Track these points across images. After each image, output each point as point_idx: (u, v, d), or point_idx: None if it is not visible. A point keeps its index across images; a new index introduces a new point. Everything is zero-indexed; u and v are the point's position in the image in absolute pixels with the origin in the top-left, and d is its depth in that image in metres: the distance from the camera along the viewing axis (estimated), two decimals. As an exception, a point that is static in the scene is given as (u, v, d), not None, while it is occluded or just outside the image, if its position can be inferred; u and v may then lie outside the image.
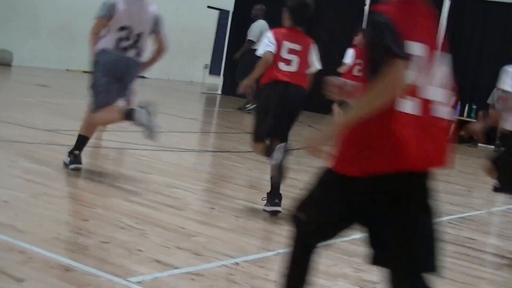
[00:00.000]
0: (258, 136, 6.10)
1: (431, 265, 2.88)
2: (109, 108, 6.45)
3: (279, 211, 5.89)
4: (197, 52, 22.09)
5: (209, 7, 21.49)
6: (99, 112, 6.49)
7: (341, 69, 10.44)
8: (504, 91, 6.00)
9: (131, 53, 6.52)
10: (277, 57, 5.97)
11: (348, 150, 2.89)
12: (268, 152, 5.96)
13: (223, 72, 19.24)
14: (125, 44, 6.47)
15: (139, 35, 6.53)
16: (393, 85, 2.69)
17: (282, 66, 5.99)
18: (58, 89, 14.44)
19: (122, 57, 6.47)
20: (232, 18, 19.24)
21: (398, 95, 2.72)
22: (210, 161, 8.88)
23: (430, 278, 2.90)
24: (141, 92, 9.17)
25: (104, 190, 6.11)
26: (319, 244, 3.11)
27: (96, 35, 6.49)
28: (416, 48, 2.77)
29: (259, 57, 6.03)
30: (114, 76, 6.49)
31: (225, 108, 16.32)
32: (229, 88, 18.94)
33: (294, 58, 6.02)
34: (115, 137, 8.54)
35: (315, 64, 6.17)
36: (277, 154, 5.81)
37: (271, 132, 6.03)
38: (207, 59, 22.57)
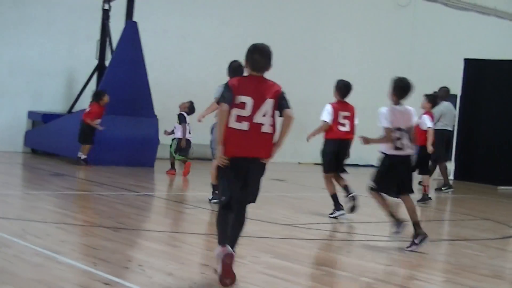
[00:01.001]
0: None
1: (252, 199, 5.82)
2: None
3: None
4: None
5: (436, 92, 21.34)
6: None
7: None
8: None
9: None
10: None
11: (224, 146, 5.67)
12: None
13: (455, 157, 18.90)
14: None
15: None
16: (220, 118, 5.59)
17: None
18: (295, 182, 14.95)
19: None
20: (461, 102, 18.97)
21: (228, 120, 5.57)
22: (448, 250, 8.69)
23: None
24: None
25: (345, 284, 6.18)
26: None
27: None
28: (244, 98, 5.60)
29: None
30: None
31: (460, 194, 15.96)
32: (462, 173, 18.54)
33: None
34: (354, 229, 8.64)
35: None
36: None
37: None
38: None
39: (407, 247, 7.75)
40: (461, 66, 18.89)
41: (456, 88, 19.24)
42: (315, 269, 6.68)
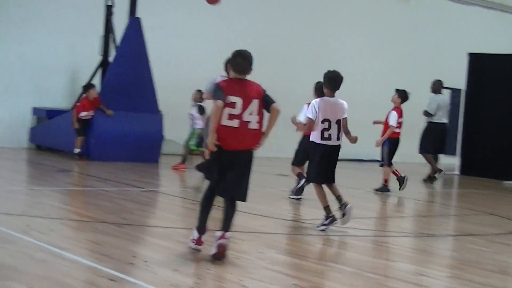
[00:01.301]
0: None
1: (240, 195, 6.37)
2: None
3: None
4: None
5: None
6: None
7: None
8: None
9: None
10: None
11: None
12: None
13: (460, 151, 18.87)
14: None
15: None
16: (215, 112, 6.17)
17: None
18: (297, 178, 14.88)
19: None
20: (465, 96, 18.92)
21: (221, 117, 6.18)
22: (453, 245, 8.67)
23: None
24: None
25: (351, 279, 6.17)
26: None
27: None
28: (234, 98, 6.23)
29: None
30: None
31: (464, 189, 15.94)
32: (467, 167, 18.49)
33: None
34: (359, 224, 8.63)
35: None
36: None
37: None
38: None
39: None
40: (464, 60, 18.83)
41: (460, 83, 19.19)
42: (320, 265, 6.67)
